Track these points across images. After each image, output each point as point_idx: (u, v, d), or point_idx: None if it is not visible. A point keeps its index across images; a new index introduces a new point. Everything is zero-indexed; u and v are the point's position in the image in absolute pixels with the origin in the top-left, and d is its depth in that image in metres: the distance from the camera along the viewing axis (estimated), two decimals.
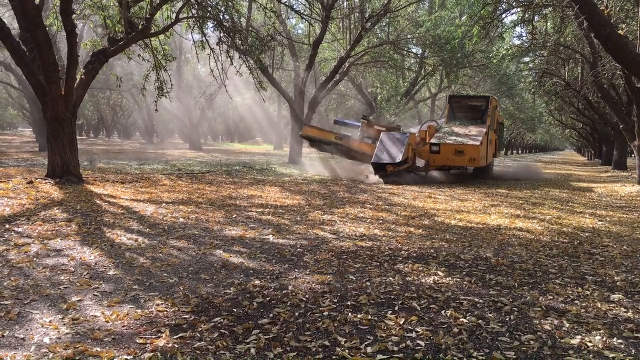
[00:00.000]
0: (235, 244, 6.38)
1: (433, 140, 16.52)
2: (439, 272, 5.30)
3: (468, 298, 4.48)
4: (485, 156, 17.08)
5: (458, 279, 5.08)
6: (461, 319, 3.95)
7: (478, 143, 15.97)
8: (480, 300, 4.43)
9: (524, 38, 22.53)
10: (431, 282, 4.96)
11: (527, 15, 15.26)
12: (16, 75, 28.99)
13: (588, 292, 4.79)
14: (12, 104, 48.87)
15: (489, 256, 6.13)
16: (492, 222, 8.76)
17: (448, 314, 4.06)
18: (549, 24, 19.32)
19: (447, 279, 5.08)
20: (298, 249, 6.20)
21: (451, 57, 22.49)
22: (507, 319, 4.01)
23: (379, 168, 15.75)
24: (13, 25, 16.79)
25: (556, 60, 24.41)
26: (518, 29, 18.45)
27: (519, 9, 15.26)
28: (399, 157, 15.54)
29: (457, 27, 19.41)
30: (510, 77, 29.15)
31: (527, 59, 26.47)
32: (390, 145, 15.94)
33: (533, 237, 7.52)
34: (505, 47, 22.04)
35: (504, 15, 15.60)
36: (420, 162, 16.95)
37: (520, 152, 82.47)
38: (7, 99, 47.92)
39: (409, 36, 24.61)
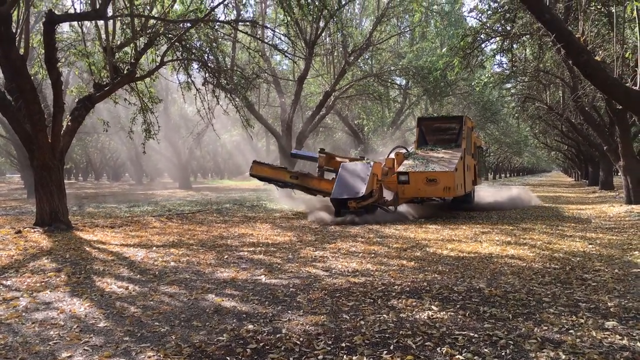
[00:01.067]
0: (228, 287, 6.33)
1: (401, 169, 14.40)
2: (432, 307, 5.27)
3: (463, 333, 4.46)
4: (462, 184, 15.13)
5: (452, 313, 5.06)
6: (457, 356, 3.93)
7: (452, 169, 13.88)
8: (476, 335, 4.41)
9: (505, 65, 22.95)
10: (425, 317, 4.93)
11: (506, 44, 15.57)
12: (2, 123, 28.99)
13: (582, 320, 4.79)
14: None
15: (483, 287, 6.12)
16: (484, 251, 8.77)
17: (444, 351, 4.03)
18: (527, 51, 19.73)
19: (442, 313, 5.06)
20: (291, 289, 6.16)
21: (434, 86, 22.83)
22: (503, 354, 3.99)
23: (340, 205, 13.82)
24: None
25: (537, 85, 24.82)
26: (498, 57, 18.66)
27: (497, 39, 15.58)
28: (362, 191, 13.51)
29: (439, 58, 19.75)
30: (494, 103, 29.60)
31: (509, 85, 26.90)
32: (352, 177, 13.95)
33: (525, 264, 7.53)
34: (486, 75, 22.43)
35: (483, 45, 15.92)
36: (389, 195, 14.90)
37: (508, 175, 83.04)
38: None
39: (392, 68, 25.00)
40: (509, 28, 15.00)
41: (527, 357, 3.92)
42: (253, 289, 6.19)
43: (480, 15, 15.74)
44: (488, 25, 15.29)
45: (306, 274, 7.04)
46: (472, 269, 7.23)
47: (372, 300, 5.57)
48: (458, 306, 5.31)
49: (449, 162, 14.36)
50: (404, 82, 28.89)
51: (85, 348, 4.19)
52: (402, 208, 15.13)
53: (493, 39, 15.82)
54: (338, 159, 16.51)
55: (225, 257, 8.46)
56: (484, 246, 9.30)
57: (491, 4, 15.21)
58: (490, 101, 29.10)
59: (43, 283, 6.53)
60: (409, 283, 6.38)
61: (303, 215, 15.56)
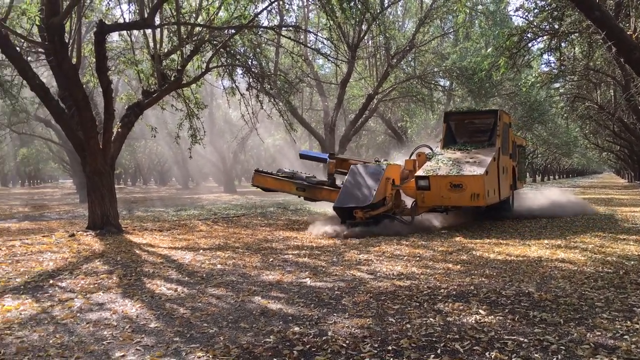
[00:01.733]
0: (273, 289, 6.39)
1: (420, 173, 12.25)
2: (480, 311, 5.20)
3: (512, 337, 4.38)
4: (496, 190, 12.73)
5: (501, 317, 4.97)
6: None
7: (482, 172, 11.64)
8: (525, 340, 4.32)
9: (553, 64, 22.39)
10: (473, 321, 4.87)
11: (553, 43, 15.19)
12: (56, 131, 30.06)
13: (637, 326, 4.63)
14: (53, 157, 50.49)
15: (532, 291, 5.99)
16: (533, 254, 8.58)
17: (493, 356, 3.97)
18: (577, 49, 19.18)
19: (490, 317, 4.98)
20: (336, 292, 6.17)
21: (479, 87, 22.47)
22: (555, 359, 3.90)
23: (344, 215, 12.00)
24: (52, 83, 17.53)
25: (587, 85, 24.15)
26: (545, 56, 18.05)
27: (545, 37, 15.21)
28: (369, 199, 11.67)
29: (484, 58, 19.41)
30: (542, 103, 28.88)
31: (557, 85, 26.26)
32: (360, 183, 12.17)
33: (576, 268, 7.33)
34: (533, 75, 21.94)
35: (530, 44, 15.56)
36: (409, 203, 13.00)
37: (556, 177, 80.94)
38: (48, 153, 49.55)
39: (435, 69, 24.75)
40: (556, 26, 14.64)
41: None
42: (298, 292, 6.23)
43: (526, 14, 15.40)
44: (535, 24, 14.95)
45: (351, 277, 7.04)
46: (520, 273, 7.08)
47: (418, 304, 5.53)
48: (507, 310, 5.22)
49: (478, 164, 12.07)
50: (447, 83, 28.57)
51: (138, 348, 4.31)
52: (424, 217, 13.24)
53: (540, 38, 15.43)
54: (351, 162, 14.60)
55: (271, 260, 8.55)
56: (533, 249, 9.09)
57: (538, 2, 14.86)
58: (538, 101, 28.41)
59: (96, 285, 6.74)
60: (456, 287, 6.29)
61: None
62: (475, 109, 16.84)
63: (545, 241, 10.07)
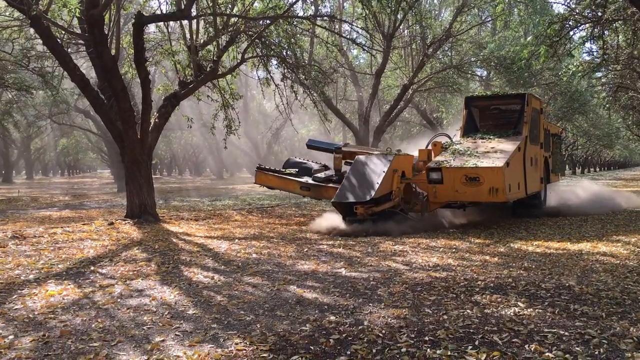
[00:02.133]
0: (309, 279, 6.40)
1: (432, 164, 11.12)
2: (519, 303, 5.10)
3: (552, 330, 4.28)
4: (521, 184, 11.54)
5: (540, 310, 4.87)
6: (547, 354, 3.78)
7: (501, 164, 10.37)
8: (566, 333, 4.22)
9: (595, 53, 21.77)
10: (511, 314, 4.78)
11: (596, 31, 14.74)
12: (95, 122, 30.77)
13: None
14: (92, 148, 51.70)
15: (572, 284, 5.85)
16: (573, 247, 8.39)
17: (532, 348, 3.89)
18: (620, 37, 18.59)
19: (529, 310, 4.89)
20: (371, 282, 6.15)
21: (518, 77, 22.01)
22: (597, 353, 3.80)
23: (345, 211, 10.90)
24: (91, 74, 17.88)
25: (631, 74, 23.37)
26: (588, 44, 17.47)
27: (587, 25, 14.77)
28: (370, 194, 10.50)
29: (523, 47, 18.97)
30: (582, 93, 28.14)
31: (599, 74, 25.50)
32: (362, 175, 10.98)
33: (618, 262, 7.13)
34: (574, 64, 21.35)
35: (571, 32, 15.12)
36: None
37: (597, 169, 78.94)
38: (87, 144, 50.76)
39: (472, 59, 24.34)
40: (599, 14, 14.20)
41: (623, 357, 3.72)
42: (334, 282, 6.23)
43: (568, 1, 14.98)
44: (577, 11, 14.53)
45: (386, 268, 7.01)
46: (560, 266, 6.93)
47: (454, 295, 5.47)
48: (546, 303, 5.11)
49: (499, 155, 10.84)
50: (484, 73, 28.08)
51: (177, 333, 4.37)
52: (441, 214, 12.19)
53: (582, 26, 14.99)
54: (357, 150, 13.05)
55: (305, 250, 8.57)
56: (573, 242, 8.89)
57: None
58: (579, 91, 27.69)
59: (135, 272, 6.87)
60: (493, 279, 6.20)
61: None
62: (500, 93, 15.15)
63: (586, 234, 9.84)
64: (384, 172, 10.81)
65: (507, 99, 13.61)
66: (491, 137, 12.14)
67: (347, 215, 10.80)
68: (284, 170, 13.55)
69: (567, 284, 5.86)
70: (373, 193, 10.48)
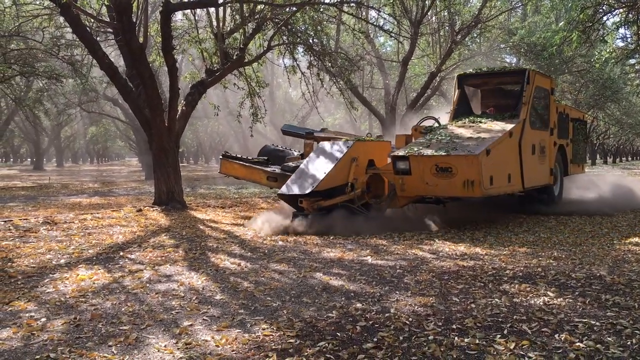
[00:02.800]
0: (335, 266, 6.40)
1: (399, 152, 9.46)
2: (549, 293, 5.02)
3: (583, 320, 4.21)
4: (515, 175, 9.82)
5: (571, 300, 4.79)
6: (577, 343, 3.71)
7: (478, 152, 8.63)
8: (597, 323, 4.14)
9: (629, 39, 21.16)
10: (541, 303, 4.71)
11: (631, 16, 14.32)
12: (123, 109, 31.10)
13: None
14: (120, 135, 52.37)
15: (604, 274, 5.73)
16: (604, 237, 8.22)
17: (562, 338, 3.83)
18: None
19: (559, 299, 4.80)
20: (398, 270, 6.11)
21: (549, 64, 21.57)
22: (629, 343, 3.72)
23: (294, 204, 9.54)
24: (119, 62, 18.06)
25: None
26: (622, 30, 16.82)
27: (621, 10, 14.36)
28: (312, 185, 9.22)
29: (554, 33, 18.55)
30: (615, 80, 27.46)
31: (632, 61, 24.86)
32: (316, 164, 9.76)
33: None
34: (608, 50, 20.82)
35: (605, 18, 14.72)
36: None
37: (629, 159, 77.17)
38: (115, 132, 51.41)
39: (502, 45, 23.92)
40: None
41: None
42: (360, 269, 6.21)
43: None
44: None
45: (412, 256, 6.97)
46: (591, 256, 6.80)
47: (482, 284, 5.41)
48: (577, 293, 5.02)
49: (479, 141, 9.13)
50: (514, 60, 27.58)
51: (204, 318, 4.41)
52: (420, 211, 10.52)
53: (616, 11, 14.58)
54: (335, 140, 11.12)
55: (331, 238, 8.55)
56: (604, 232, 8.72)
57: None
58: (612, 78, 27.03)
59: (163, 257, 6.96)
60: (522, 268, 6.11)
61: None
62: (498, 69, 13.12)
63: (618, 224, 9.63)
64: (337, 160, 9.53)
65: (506, 76, 12.08)
66: (485, 120, 10.45)
67: (297, 209, 9.51)
68: (251, 158, 12.38)
69: (598, 274, 5.75)
70: (315, 185, 9.19)
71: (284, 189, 9.57)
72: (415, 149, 9.22)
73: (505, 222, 10.14)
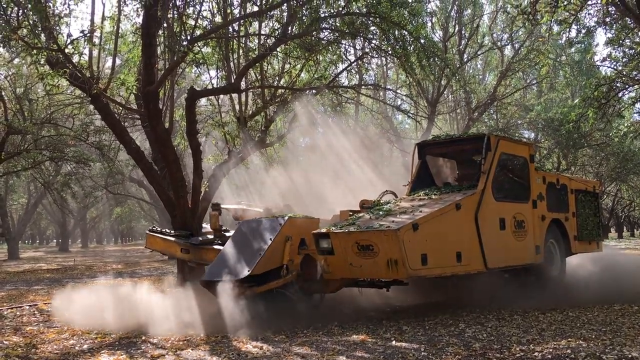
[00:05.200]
0: (358, 349, 6.29)
1: (322, 229, 8.39)
2: None
3: None
4: (470, 253, 8.42)
5: None
6: None
7: (397, 227, 7.57)
8: None
9: None
10: None
11: None
12: (148, 191, 31.78)
13: None
14: (144, 216, 53.12)
15: (635, 356, 5.54)
16: (635, 315, 7.98)
17: None
18: None
19: None
20: (422, 353, 5.99)
21: (567, 138, 21.72)
22: None
23: (215, 289, 8.04)
24: (145, 146, 18.64)
25: None
26: (638, 105, 16.86)
27: (636, 86, 14.58)
28: (246, 270, 8.00)
29: (571, 109, 18.79)
30: (636, 153, 27.42)
31: None
32: (245, 245, 8.56)
33: None
34: (625, 124, 20.94)
35: (620, 94, 14.92)
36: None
37: None
38: (140, 212, 52.22)
39: (519, 121, 24.25)
40: None
41: None
42: (384, 352, 6.10)
43: (614, 63, 14.88)
44: (624, 73, 14.39)
45: (437, 337, 6.82)
46: (622, 335, 6.59)
47: None
48: None
49: (408, 214, 8.20)
50: (532, 135, 27.82)
51: None
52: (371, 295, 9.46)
53: (631, 87, 14.79)
54: (251, 215, 10.43)
55: (354, 318, 8.43)
56: (635, 309, 8.46)
57: (627, 50, 14.36)
58: (632, 151, 27.01)
59: (185, 341, 6.92)
60: (551, 350, 5.94)
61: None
62: (459, 135, 12.32)
63: None
64: (270, 239, 8.33)
65: (466, 143, 10.71)
66: (442, 192, 9.25)
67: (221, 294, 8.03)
68: (172, 232, 11.47)
69: (630, 355, 5.56)
70: (250, 269, 7.99)
71: (207, 275, 8.40)
72: (339, 225, 8.32)
73: (526, 297, 9.88)
